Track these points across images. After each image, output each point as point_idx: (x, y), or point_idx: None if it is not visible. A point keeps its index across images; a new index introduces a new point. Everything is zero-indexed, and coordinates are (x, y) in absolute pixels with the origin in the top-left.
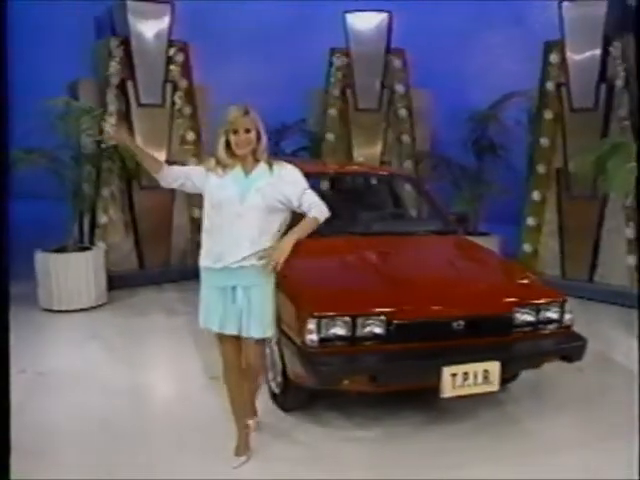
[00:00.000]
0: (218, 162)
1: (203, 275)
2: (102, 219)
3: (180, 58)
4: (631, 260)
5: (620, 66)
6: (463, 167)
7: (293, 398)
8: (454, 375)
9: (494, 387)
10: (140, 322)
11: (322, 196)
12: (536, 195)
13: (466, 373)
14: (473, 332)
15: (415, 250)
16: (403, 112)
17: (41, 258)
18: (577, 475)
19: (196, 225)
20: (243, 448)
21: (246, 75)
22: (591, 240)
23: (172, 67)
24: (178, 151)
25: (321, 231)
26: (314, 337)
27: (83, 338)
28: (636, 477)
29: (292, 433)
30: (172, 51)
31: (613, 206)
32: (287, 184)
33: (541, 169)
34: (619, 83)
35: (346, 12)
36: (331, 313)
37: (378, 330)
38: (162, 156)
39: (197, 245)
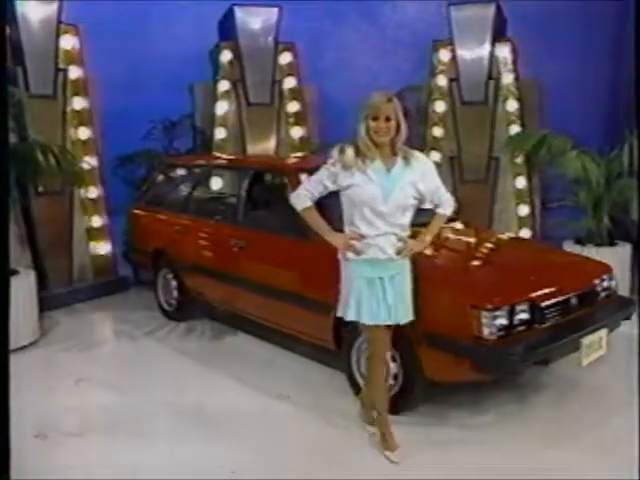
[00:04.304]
0: (358, 152)
1: (349, 267)
2: None
3: (70, 43)
4: (522, 234)
5: (507, 66)
6: None
7: (418, 397)
8: (587, 345)
9: (604, 351)
10: (113, 353)
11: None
12: None
13: (591, 342)
14: (580, 306)
15: (477, 238)
16: (294, 106)
17: None
18: None
19: (95, 235)
20: (393, 443)
21: (123, 68)
22: (485, 219)
23: (62, 53)
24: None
25: None
26: (492, 329)
27: (70, 383)
28: (636, 477)
29: (420, 431)
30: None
31: (502, 189)
32: (424, 179)
33: (435, 157)
34: (506, 80)
35: (234, 5)
36: (499, 304)
37: (525, 315)
38: None
39: (95, 258)
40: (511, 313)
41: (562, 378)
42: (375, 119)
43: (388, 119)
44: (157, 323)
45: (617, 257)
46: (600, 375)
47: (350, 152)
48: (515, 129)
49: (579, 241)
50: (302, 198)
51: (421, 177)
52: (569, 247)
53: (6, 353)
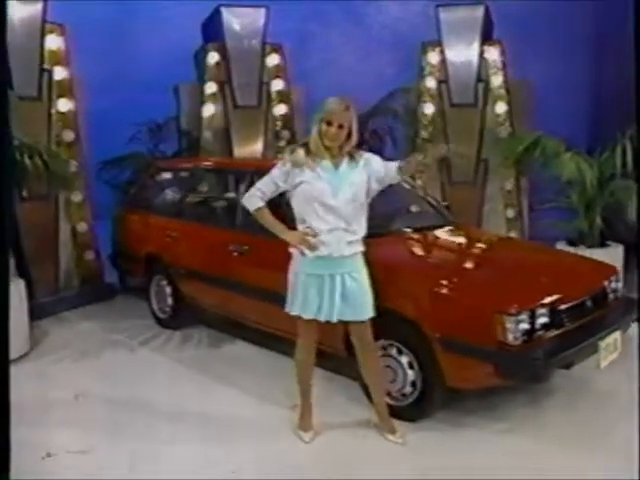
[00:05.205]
0: (308, 152)
1: (301, 262)
2: None
3: (55, 43)
4: (511, 235)
5: (496, 68)
6: None
7: (436, 403)
8: (604, 347)
9: (618, 353)
10: (109, 364)
11: None
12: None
13: (607, 344)
14: (594, 308)
15: (480, 241)
16: (282, 108)
17: None
18: None
19: (80, 240)
20: (310, 424)
21: (107, 69)
22: (474, 220)
23: (47, 53)
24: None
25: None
26: (516, 334)
27: (68, 396)
28: (636, 477)
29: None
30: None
31: (491, 191)
32: (369, 165)
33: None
34: (496, 83)
35: (221, 6)
36: (521, 308)
37: (545, 319)
38: None
39: (81, 265)
40: (532, 317)
41: (574, 380)
42: (329, 124)
43: (341, 126)
44: (151, 332)
45: (609, 258)
46: (611, 376)
47: (301, 152)
48: (504, 131)
49: (571, 242)
50: (254, 199)
51: (365, 165)
52: (562, 248)
53: (6, 352)
